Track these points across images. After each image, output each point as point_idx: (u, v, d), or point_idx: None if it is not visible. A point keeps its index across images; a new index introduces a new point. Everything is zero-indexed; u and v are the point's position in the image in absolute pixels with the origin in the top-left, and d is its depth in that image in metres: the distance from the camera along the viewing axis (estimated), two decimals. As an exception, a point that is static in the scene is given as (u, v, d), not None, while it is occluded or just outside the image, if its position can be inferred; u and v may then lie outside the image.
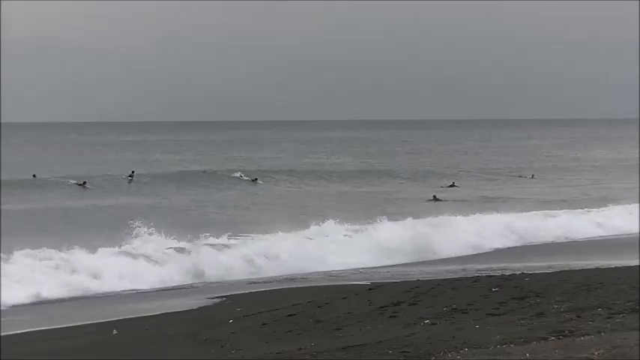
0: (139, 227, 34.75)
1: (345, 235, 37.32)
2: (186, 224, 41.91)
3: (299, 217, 45.98)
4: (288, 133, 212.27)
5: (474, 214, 42.99)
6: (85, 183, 69.63)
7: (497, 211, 45.48)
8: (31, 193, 62.92)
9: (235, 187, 71.48)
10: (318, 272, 31.14)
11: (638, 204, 46.73)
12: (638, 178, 66.23)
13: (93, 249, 31.59)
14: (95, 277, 29.27)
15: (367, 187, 71.89)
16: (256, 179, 75.73)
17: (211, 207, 56.04)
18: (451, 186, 71.75)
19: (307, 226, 38.54)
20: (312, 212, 48.07)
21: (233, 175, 78.05)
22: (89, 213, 52.31)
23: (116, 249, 32.55)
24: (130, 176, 75.38)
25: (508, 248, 37.42)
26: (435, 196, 57.84)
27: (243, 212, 53.06)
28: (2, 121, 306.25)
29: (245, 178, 76.51)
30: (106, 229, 40.09)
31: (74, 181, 70.43)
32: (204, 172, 79.95)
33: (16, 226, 43.52)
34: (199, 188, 70.11)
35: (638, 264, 22.52)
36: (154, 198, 61.72)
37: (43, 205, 55.59)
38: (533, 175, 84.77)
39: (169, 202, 59.61)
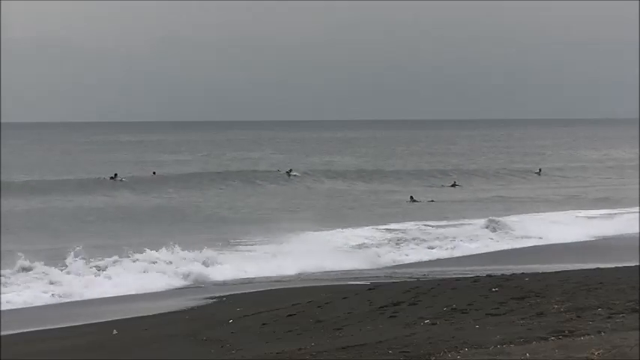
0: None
1: None
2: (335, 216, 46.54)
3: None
4: (289, 133, 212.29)
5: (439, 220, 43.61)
6: (116, 175, 70.71)
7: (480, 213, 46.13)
8: (83, 191, 63.73)
9: (280, 181, 73.26)
10: (318, 272, 31.12)
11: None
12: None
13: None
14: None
15: (374, 186, 72.31)
16: (291, 170, 78.33)
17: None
18: (452, 185, 71.59)
19: None
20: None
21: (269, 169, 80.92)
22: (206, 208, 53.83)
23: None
24: (154, 173, 76.79)
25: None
26: (411, 197, 57.84)
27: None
28: (2, 121, 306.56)
29: (287, 172, 78.75)
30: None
31: (107, 176, 71.50)
32: (271, 171, 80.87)
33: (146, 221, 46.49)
34: (248, 184, 71.05)
35: (638, 264, 22.48)
36: (212, 193, 63.43)
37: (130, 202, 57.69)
38: (540, 170, 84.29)
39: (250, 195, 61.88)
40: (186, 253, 31.68)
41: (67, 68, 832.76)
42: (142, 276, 29.36)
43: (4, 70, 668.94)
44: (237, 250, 34.35)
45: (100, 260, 30.56)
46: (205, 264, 30.98)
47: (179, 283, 29.18)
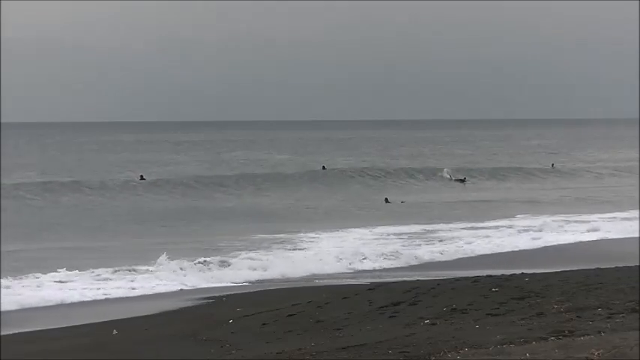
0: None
1: None
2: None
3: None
4: (289, 133, 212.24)
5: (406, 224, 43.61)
6: (142, 177, 71.26)
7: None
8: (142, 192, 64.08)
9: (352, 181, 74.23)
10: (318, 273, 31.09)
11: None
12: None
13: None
14: None
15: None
16: (324, 167, 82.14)
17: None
18: (460, 181, 71.50)
19: None
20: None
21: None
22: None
23: None
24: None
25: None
26: (386, 199, 57.86)
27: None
28: (2, 121, 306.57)
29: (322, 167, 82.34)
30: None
31: (137, 177, 72.21)
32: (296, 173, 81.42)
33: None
34: (288, 183, 71.83)
35: (638, 264, 22.49)
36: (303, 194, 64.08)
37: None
38: (553, 164, 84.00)
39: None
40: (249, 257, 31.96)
41: (67, 68, 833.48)
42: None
43: (4, 70, 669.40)
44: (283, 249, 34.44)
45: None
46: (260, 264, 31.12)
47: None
